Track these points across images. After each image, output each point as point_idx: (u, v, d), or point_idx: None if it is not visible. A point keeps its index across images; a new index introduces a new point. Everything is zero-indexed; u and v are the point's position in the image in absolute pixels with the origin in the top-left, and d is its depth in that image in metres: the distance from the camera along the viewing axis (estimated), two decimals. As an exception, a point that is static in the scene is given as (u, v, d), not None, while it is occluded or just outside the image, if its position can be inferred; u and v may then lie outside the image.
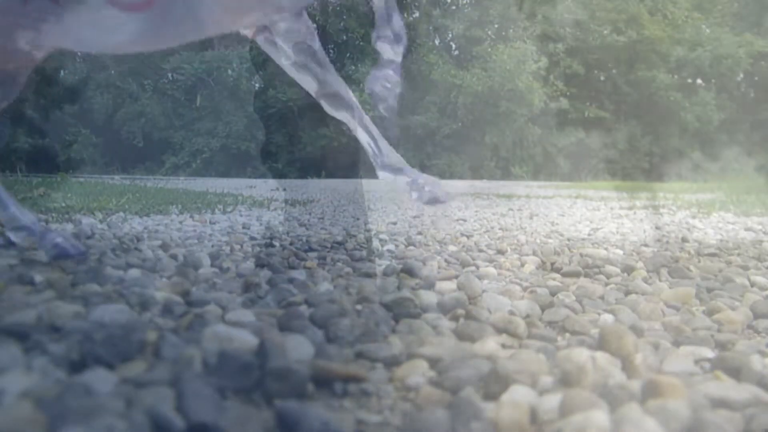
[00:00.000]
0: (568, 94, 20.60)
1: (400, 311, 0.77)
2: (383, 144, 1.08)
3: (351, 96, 1.07)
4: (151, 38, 0.99)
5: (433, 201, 1.09)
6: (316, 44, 1.05)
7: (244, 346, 0.57)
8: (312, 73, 1.05)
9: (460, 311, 0.77)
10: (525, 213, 3.05)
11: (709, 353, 0.64)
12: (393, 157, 1.08)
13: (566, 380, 0.53)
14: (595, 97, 21.66)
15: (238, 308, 0.75)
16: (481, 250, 1.44)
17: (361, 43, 18.80)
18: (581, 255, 1.34)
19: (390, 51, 0.99)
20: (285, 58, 1.05)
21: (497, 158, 19.92)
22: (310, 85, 1.06)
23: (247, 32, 1.05)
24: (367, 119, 1.07)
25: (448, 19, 22.39)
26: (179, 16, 0.94)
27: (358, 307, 0.77)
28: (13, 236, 1.08)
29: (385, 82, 0.98)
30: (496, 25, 22.58)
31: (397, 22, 0.99)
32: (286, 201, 3.65)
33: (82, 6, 0.93)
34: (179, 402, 0.44)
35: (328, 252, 1.31)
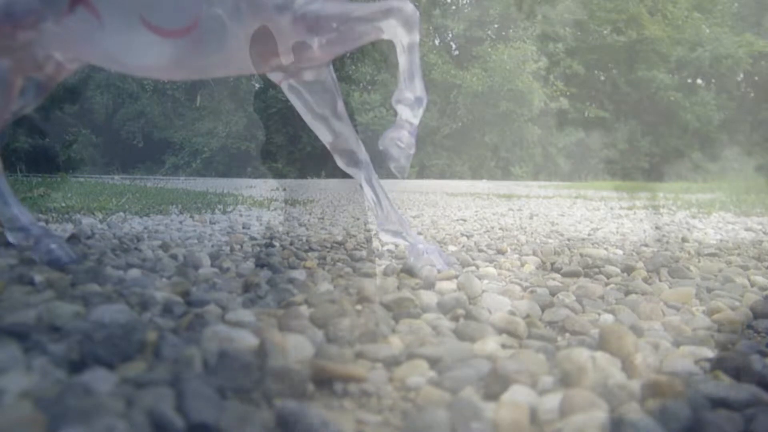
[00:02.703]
0: (568, 94, 20.62)
1: (400, 311, 0.77)
2: (387, 205, 1.10)
3: (364, 153, 1.09)
4: (181, 67, 1.02)
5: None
6: (339, 98, 1.07)
7: (244, 346, 0.57)
8: (330, 126, 1.07)
9: (460, 311, 0.77)
10: (525, 213, 3.05)
11: (709, 353, 0.64)
12: (394, 220, 1.10)
13: (566, 380, 0.53)
14: (595, 97, 21.67)
15: (238, 308, 0.75)
16: (481, 250, 1.44)
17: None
18: (581, 255, 1.34)
19: (409, 114, 1.00)
20: (307, 109, 1.07)
21: (497, 158, 19.93)
22: (325, 136, 1.08)
23: (275, 77, 1.07)
24: (375, 177, 1.10)
25: (448, 19, 22.39)
26: (212, 49, 0.96)
27: (358, 307, 0.77)
28: (10, 236, 1.08)
29: (400, 143, 1.00)
30: (496, 25, 22.59)
31: (420, 85, 1.00)
32: (286, 201, 3.65)
33: (123, 27, 0.96)
34: (179, 402, 0.44)
35: (328, 252, 1.31)
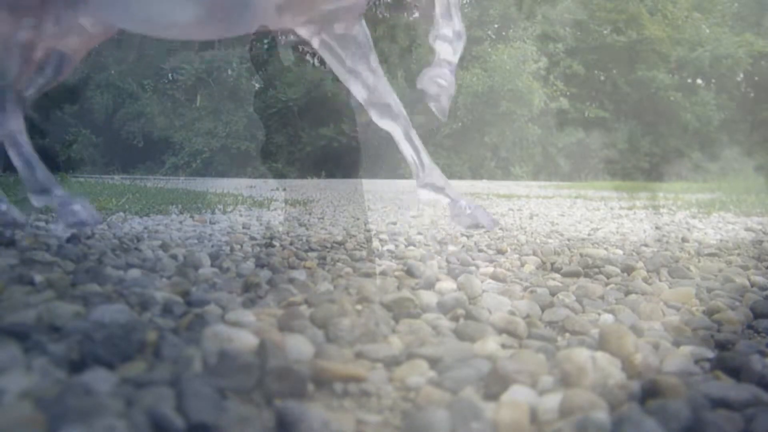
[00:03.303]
0: (568, 94, 20.61)
1: (400, 311, 0.77)
2: (427, 160, 1.06)
3: (401, 107, 1.05)
4: (209, 23, 0.98)
5: (475, 226, 1.06)
6: (372, 52, 1.04)
7: (244, 346, 0.57)
8: (364, 80, 1.03)
9: (460, 311, 0.77)
10: (525, 213, 3.05)
11: (709, 353, 0.64)
12: (436, 174, 1.06)
13: (566, 380, 0.53)
14: (595, 97, 21.67)
15: (238, 308, 0.75)
16: (481, 250, 1.44)
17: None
18: (581, 255, 1.34)
19: (449, 51, 0.97)
20: (339, 63, 1.03)
21: (497, 158, 19.92)
22: (360, 92, 1.04)
23: (304, 32, 1.03)
24: (413, 132, 1.06)
25: (448, 19, 22.36)
26: (235, 6, 0.93)
27: (358, 307, 0.77)
28: (35, 200, 1.07)
29: (441, 80, 0.96)
30: (496, 25, 22.58)
31: (458, 21, 0.97)
32: (286, 201, 3.64)
33: None
34: (179, 402, 0.44)
35: (328, 252, 1.31)
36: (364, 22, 1.03)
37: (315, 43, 1.03)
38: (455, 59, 0.97)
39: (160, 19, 0.99)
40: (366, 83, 1.03)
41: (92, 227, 0.95)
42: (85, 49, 1.10)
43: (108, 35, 1.10)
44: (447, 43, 0.95)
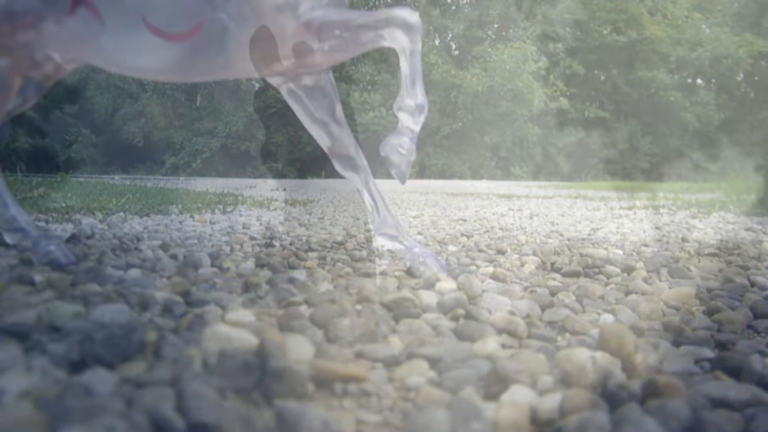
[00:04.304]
0: (568, 94, 20.62)
1: (400, 311, 0.77)
2: (384, 210, 1.10)
3: (362, 158, 1.10)
4: (183, 70, 1.03)
5: None
6: (338, 103, 1.07)
7: (244, 346, 0.57)
8: (328, 130, 1.07)
9: (460, 311, 0.77)
10: (525, 213, 3.05)
11: (709, 353, 0.64)
12: (391, 224, 1.11)
13: (566, 380, 0.53)
14: (595, 97, 21.68)
15: (238, 308, 0.75)
16: (481, 250, 1.44)
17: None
18: (581, 255, 1.34)
19: (410, 121, 1.00)
20: (305, 113, 1.07)
21: (497, 158, 19.93)
22: (324, 141, 1.09)
23: (273, 81, 1.07)
24: (372, 182, 1.11)
25: (448, 19, 22.40)
26: (214, 52, 0.97)
27: (358, 307, 0.77)
28: (8, 237, 1.08)
29: (401, 149, 1.00)
30: (496, 25, 22.59)
31: (421, 91, 1.00)
32: (286, 201, 3.65)
33: (125, 29, 0.96)
34: (179, 402, 0.44)
35: (328, 252, 1.31)
36: (330, 74, 1.08)
37: (283, 91, 1.09)
38: (416, 128, 1.01)
39: (133, 63, 1.02)
40: (330, 133, 1.08)
41: (65, 266, 0.96)
42: (57, 77, 1.12)
43: (81, 64, 1.11)
44: (408, 114, 0.99)
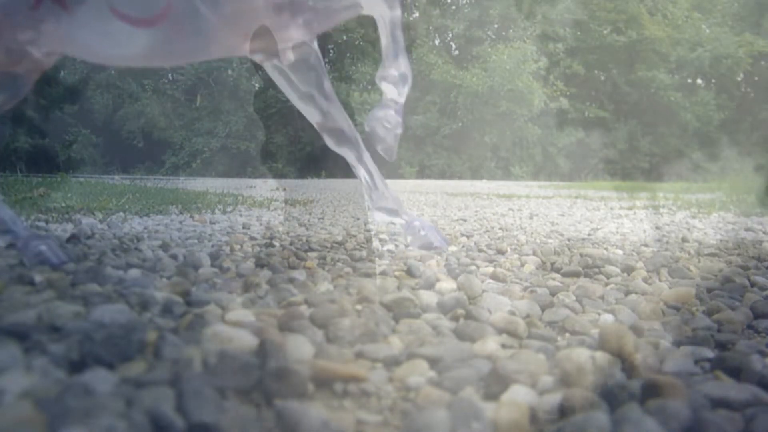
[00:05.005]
0: (568, 94, 20.63)
1: (400, 311, 0.77)
2: (381, 183, 1.07)
3: (354, 132, 1.06)
4: (159, 54, 0.99)
5: (428, 246, 1.08)
6: (325, 77, 1.04)
7: (244, 346, 0.57)
8: (317, 105, 1.04)
9: (460, 311, 0.77)
10: (525, 213, 3.05)
11: (709, 353, 0.64)
12: (390, 198, 1.08)
13: (566, 380, 0.53)
14: (595, 97, 21.68)
15: (238, 308, 0.75)
16: (481, 250, 1.44)
17: (361, 43, 18.82)
18: (581, 255, 1.34)
19: (394, 91, 0.98)
20: (292, 89, 1.04)
21: (497, 158, 19.93)
22: (313, 116, 1.05)
23: (257, 58, 1.04)
24: (367, 156, 1.07)
25: (448, 19, 22.40)
26: (187, 35, 0.94)
27: (358, 307, 0.77)
28: None
29: (386, 122, 0.98)
30: (496, 25, 22.59)
31: (404, 62, 0.97)
32: (286, 201, 3.65)
33: (90, 16, 0.93)
34: (179, 402, 0.44)
35: (328, 252, 1.31)
36: (316, 47, 1.03)
37: (267, 68, 1.04)
38: (401, 100, 0.98)
39: (106, 51, 0.99)
40: (320, 108, 1.05)
41: (56, 266, 0.95)
42: (39, 71, 1.10)
43: (57, 58, 1.09)
44: (392, 84, 0.97)
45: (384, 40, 0.97)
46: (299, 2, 0.92)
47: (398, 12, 0.97)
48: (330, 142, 1.06)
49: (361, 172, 1.08)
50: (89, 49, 0.99)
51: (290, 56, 1.01)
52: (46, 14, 0.93)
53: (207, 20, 0.92)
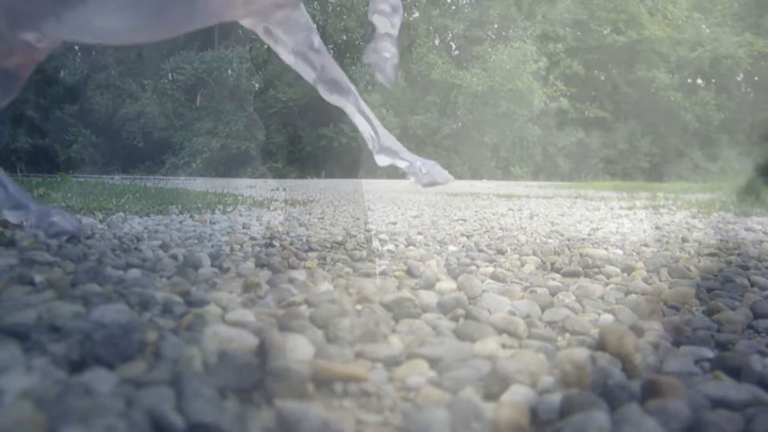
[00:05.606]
0: (568, 94, 20.63)
1: (400, 311, 0.77)
2: (380, 128, 1.09)
3: (348, 82, 1.08)
4: (151, 26, 0.99)
5: (432, 183, 1.09)
6: (315, 33, 1.06)
7: (244, 346, 0.57)
8: (310, 61, 1.06)
9: (460, 311, 0.77)
10: (525, 213, 3.05)
11: (709, 353, 0.64)
12: (390, 140, 1.09)
13: (566, 380, 0.53)
14: (595, 97, 21.69)
15: (238, 308, 0.75)
16: (481, 250, 1.44)
17: (361, 43, 18.81)
18: (581, 255, 1.34)
19: (387, 23, 0.99)
20: (284, 49, 1.06)
21: (497, 158, 19.94)
22: (308, 73, 1.07)
23: (247, 22, 1.05)
24: (363, 104, 1.09)
25: (448, 19, 22.40)
26: (177, 5, 0.94)
27: (358, 307, 0.77)
28: (10, 216, 1.07)
29: (384, 52, 0.99)
30: (496, 25, 22.60)
31: None
32: (286, 201, 3.65)
33: None
34: (179, 402, 0.44)
35: (328, 252, 1.31)
36: (303, 8, 1.06)
37: (259, 32, 1.07)
38: (395, 31, 1.00)
39: (100, 27, 0.98)
40: (312, 62, 1.07)
41: (75, 234, 0.95)
42: (32, 64, 1.09)
43: (55, 47, 1.09)
44: (384, 17, 0.98)
45: None
46: None
47: None
48: (325, 93, 1.09)
49: (359, 119, 1.09)
50: (84, 27, 0.98)
51: (281, 17, 1.03)
52: None
53: None
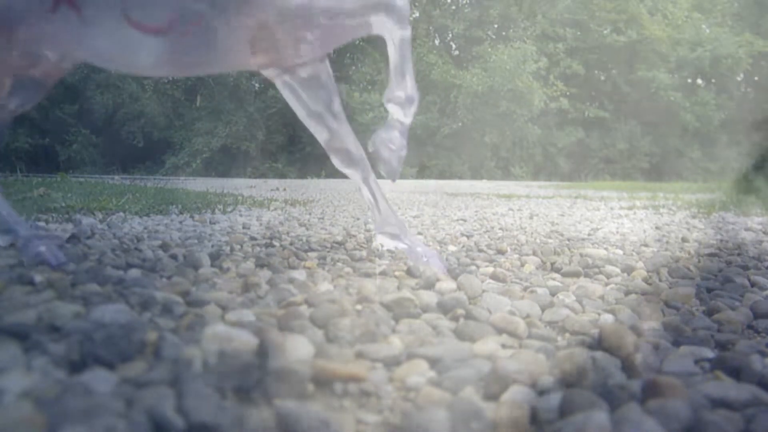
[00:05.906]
0: (568, 94, 20.63)
1: (400, 311, 0.77)
2: (385, 207, 1.07)
3: (361, 153, 1.05)
4: (171, 64, 0.99)
5: None
6: (335, 95, 1.03)
7: (244, 346, 0.57)
8: (326, 124, 1.02)
9: (460, 311, 0.77)
10: (525, 213, 3.05)
11: (709, 353, 0.64)
12: (393, 222, 1.07)
13: (566, 380, 0.53)
14: (595, 97, 21.69)
15: (238, 308, 0.75)
16: (481, 250, 1.44)
17: (361, 43, 18.80)
18: (581, 255, 1.34)
19: (400, 113, 0.97)
20: (301, 106, 1.02)
21: (497, 158, 19.94)
22: (321, 135, 1.03)
23: (267, 73, 1.03)
24: (372, 178, 1.06)
25: (448, 19, 22.40)
26: (197, 46, 0.94)
27: (358, 307, 0.77)
28: None
29: (391, 144, 0.97)
30: (496, 25, 22.60)
31: (411, 83, 0.97)
32: (286, 201, 3.64)
33: (106, 25, 0.93)
34: (179, 402, 0.44)
35: (328, 252, 1.31)
36: (328, 65, 1.02)
37: (278, 84, 1.03)
38: (407, 121, 0.98)
39: (120, 59, 0.99)
40: (328, 127, 1.03)
41: (55, 267, 0.95)
42: (56, 76, 1.10)
43: (76, 64, 1.09)
44: (398, 106, 0.96)
45: (392, 60, 0.97)
46: (310, 19, 0.92)
47: (408, 32, 0.96)
48: (336, 162, 1.06)
49: (366, 194, 1.07)
50: (105, 56, 1.00)
51: (303, 73, 1.00)
52: (62, 19, 0.94)
53: (218, 32, 0.92)
